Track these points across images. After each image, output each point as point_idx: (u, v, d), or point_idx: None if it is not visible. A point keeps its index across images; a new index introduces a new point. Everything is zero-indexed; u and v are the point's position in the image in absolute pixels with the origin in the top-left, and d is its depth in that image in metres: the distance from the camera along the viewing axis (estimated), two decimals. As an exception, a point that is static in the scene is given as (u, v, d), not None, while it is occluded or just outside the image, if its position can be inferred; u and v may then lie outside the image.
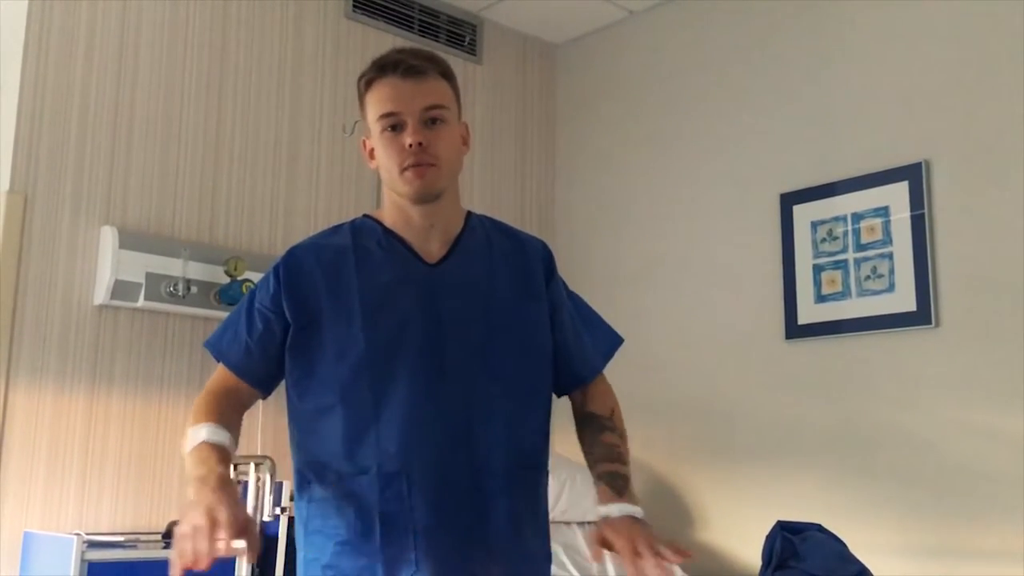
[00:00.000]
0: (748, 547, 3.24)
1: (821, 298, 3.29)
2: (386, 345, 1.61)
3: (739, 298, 3.54)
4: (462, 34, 4.07)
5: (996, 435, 2.86)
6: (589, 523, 3.40)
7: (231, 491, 1.42)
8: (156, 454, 3.07)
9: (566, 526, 3.32)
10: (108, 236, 3.02)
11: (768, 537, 2.53)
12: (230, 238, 3.33)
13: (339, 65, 3.70)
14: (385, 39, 3.78)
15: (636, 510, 1.57)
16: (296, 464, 1.68)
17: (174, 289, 3.06)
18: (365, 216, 1.75)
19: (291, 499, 2.87)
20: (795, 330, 3.35)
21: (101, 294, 3.00)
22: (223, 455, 1.52)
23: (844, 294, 3.23)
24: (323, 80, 3.65)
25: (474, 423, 1.62)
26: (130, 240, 3.03)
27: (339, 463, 1.60)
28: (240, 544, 1.36)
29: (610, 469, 1.66)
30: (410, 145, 1.60)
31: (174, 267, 3.08)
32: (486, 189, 4.04)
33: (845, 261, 3.25)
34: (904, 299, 3.08)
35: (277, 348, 1.66)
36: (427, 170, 1.61)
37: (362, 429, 1.59)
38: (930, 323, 3.01)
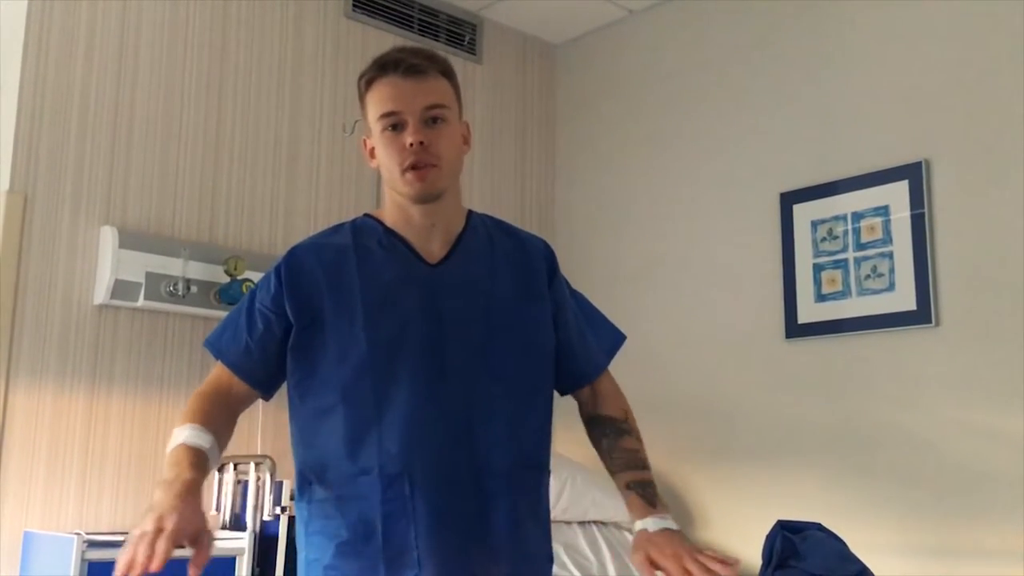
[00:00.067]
0: (748, 546, 3.24)
1: (821, 297, 3.29)
2: (387, 345, 1.61)
3: (739, 297, 3.54)
4: (462, 34, 4.07)
5: (996, 434, 2.86)
6: (589, 522, 3.41)
7: (191, 498, 1.41)
8: (156, 453, 3.07)
9: (566, 525, 3.32)
10: (108, 236, 3.02)
11: (768, 536, 2.53)
12: (230, 238, 3.33)
13: (339, 65, 3.70)
14: (385, 39, 3.77)
15: (672, 522, 1.59)
16: (297, 465, 1.67)
17: (174, 289, 3.06)
18: (366, 215, 1.75)
19: (291, 499, 2.87)
20: (795, 329, 3.35)
21: (101, 294, 2.99)
22: (198, 459, 1.50)
23: (844, 293, 3.23)
24: (323, 80, 3.65)
25: (475, 423, 1.62)
26: (130, 240, 3.03)
27: (341, 464, 1.60)
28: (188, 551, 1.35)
29: (637, 478, 1.67)
30: (411, 144, 1.59)
31: (174, 267, 3.08)
32: (486, 189, 4.04)
33: (845, 260, 3.25)
34: (904, 298, 3.08)
35: (277, 348, 1.65)
36: (428, 172, 1.61)
37: (364, 430, 1.59)
38: (930, 322, 3.01)
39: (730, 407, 3.50)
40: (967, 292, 2.97)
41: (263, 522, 2.87)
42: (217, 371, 1.68)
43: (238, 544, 2.80)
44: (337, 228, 1.73)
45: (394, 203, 1.69)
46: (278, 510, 2.85)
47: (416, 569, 1.55)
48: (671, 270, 3.77)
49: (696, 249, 3.71)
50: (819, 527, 2.56)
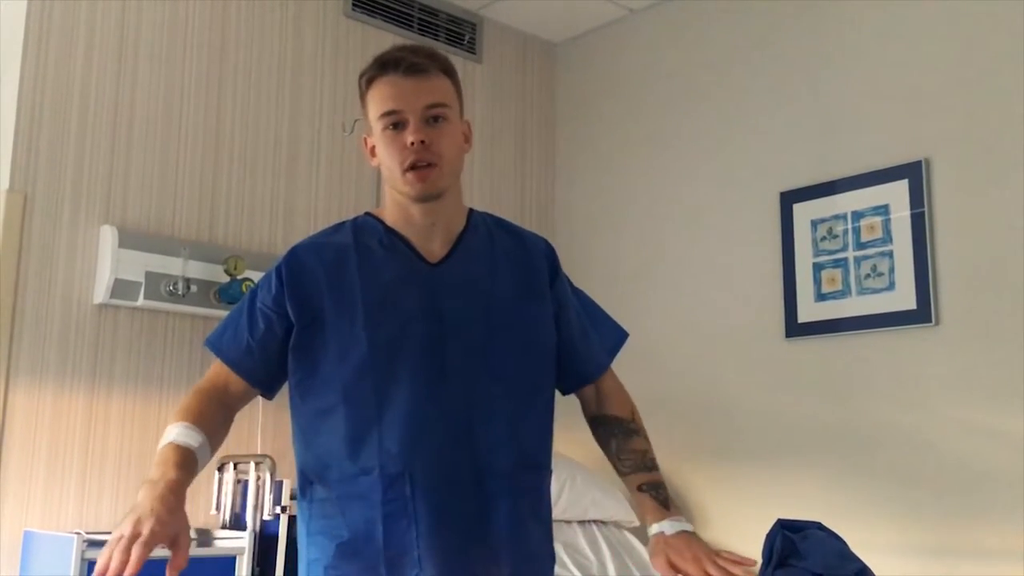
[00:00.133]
0: (748, 545, 3.23)
1: (821, 296, 3.29)
2: (388, 345, 1.61)
3: (739, 297, 3.54)
4: (461, 33, 4.07)
5: (996, 433, 2.86)
6: (589, 522, 3.40)
7: (171, 500, 1.41)
8: (155, 453, 3.06)
9: (567, 525, 3.32)
10: (108, 235, 3.01)
11: (768, 535, 2.52)
12: (230, 237, 3.32)
13: (339, 64, 3.70)
14: (385, 38, 3.77)
15: (687, 524, 1.62)
16: (299, 464, 1.67)
17: (174, 288, 3.06)
18: (367, 214, 1.75)
19: (291, 498, 2.87)
20: (795, 328, 3.35)
21: (101, 293, 2.99)
22: (184, 458, 1.50)
23: (844, 292, 3.23)
24: (323, 79, 3.65)
25: (476, 423, 1.62)
26: (130, 239, 3.03)
27: (341, 464, 1.60)
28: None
29: (649, 480, 1.68)
30: (412, 143, 1.59)
31: (174, 266, 3.07)
32: (486, 188, 4.04)
33: (845, 259, 3.24)
34: (904, 297, 3.08)
35: (279, 348, 1.65)
36: (429, 172, 1.61)
37: (364, 430, 1.59)
38: (930, 321, 3.01)
39: (730, 406, 3.50)
40: (967, 291, 2.97)
41: (263, 521, 2.87)
42: (216, 368, 1.67)
43: (238, 544, 2.80)
44: (338, 227, 1.73)
45: (395, 202, 1.69)
46: (278, 509, 2.85)
47: (417, 569, 1.55)
48: (671, 269, 3.77)
49: (696, 248, 3.71)
50: (819, 526, 2.56)
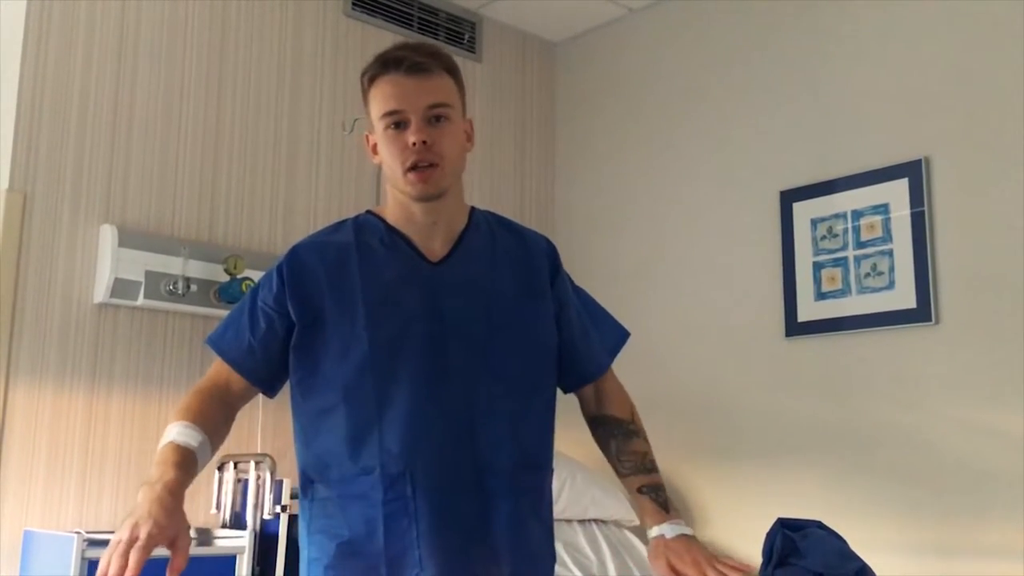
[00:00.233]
0: (749, 544, 3.24)
1: (821, 295, 3.29)
2: (388, 344, 1.61)
3: (739, 296, 3.54)
4: (461, 32, 4.07)
5: (996, 432, 2.86)
6: (589, 521, 3.40)
7: (169, 501, 1.40)
8: (155, 452, 3.06)
9: (567, 524, 3.32)
10: (108, 234, 3.01)
11: (768, 534, 2.52)
12: (230, 236, 3.32)
13: (338, 63, 3.70)
14: (384, 37, 3.77)
15: (687, 527, 1.63)
16: (300, 464, 1.67)
17: (174, 287, 3.06)
18: (368, 212, 1.74)
19: (292, 497, 2.87)
20: (795, 327, 3.35)
21: (101, 292, 2.99)
22: (184, 457, 1.50)
23: (844, 291, 3.23)
24: (322, 78, 3.65)
25: (477, 423, 1.61)
26: (130, 238, 3.03)
27: (342, 463, 1.60)
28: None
29: (649, 482, 1.69)
30: (413, 144, 1.59)
31: (174, 265, 3.07)
32: (485, 187, 4.03)
33: (845, 258, 3.25)
34: (904, 296, 3.08)
35: (280, 347, 1.65)
36: (431, 172, 1.60)
37: (365, 429, 1.59)
38: (930, 320, 3.02)
39: (730, 405, 3.50)
40: (967, 290, 2.97)
41: (263, 521, 2.87)
42: (217, 367, 1.67)
43: (238, 543, 2.80)
44: (339, 226, 1.73)
45: (396, 200, 1.68)
46: (278, 509, 2.85)
47: (418, 569, 1.55)
48: (671, 269, 3.77)
49: (696, 247, 3.71)
50: (819, 525, 2.56)
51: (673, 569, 1.56)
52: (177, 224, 3.21)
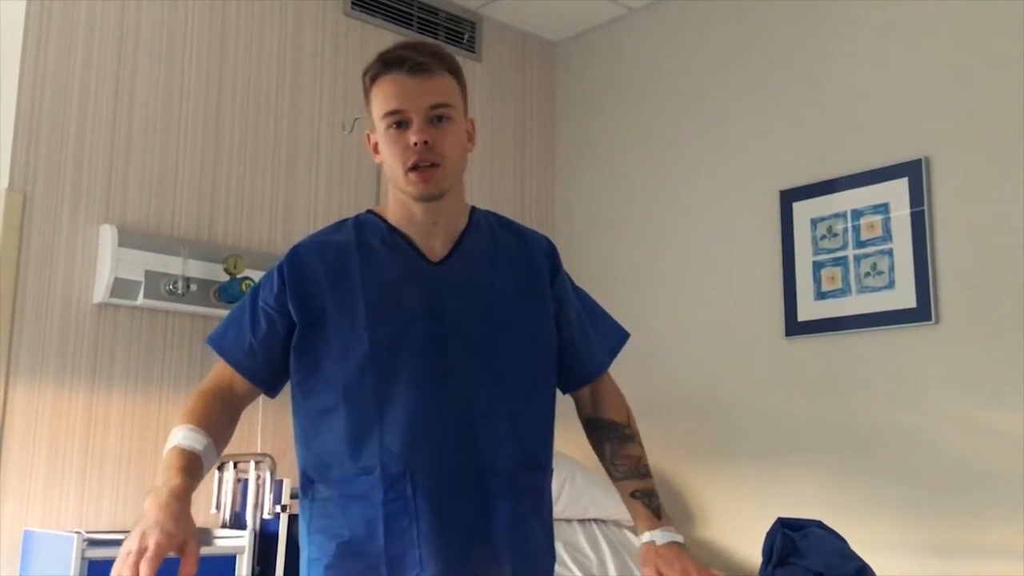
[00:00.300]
0: (749, 544, 3.24)
1: (821, 295, 3.29)
2: (389, 344, 1.60)
3: (739, 295, 3.54)
4: (461, 31, 4.07)
5: (996, 432, 2.86)
6: (589, 520, 3.41)
7: (176, 507, 1.40)
8: (156, 451, 3.06)
9: (567, 523, 3.32)
10: (107, 234, 3.01)
11: (768, 534, 2.52)
12: (229, 236, 3.32)
13: (338, 63, 3.70)
14: (384, 37, 3.77)
15: (678, 535, 1.63)
16: (300, 464, 1.67)
17: (173, 287, 3.06)
18: (369, 212, 1.74)
19: (292, 497, 2.87)
20: (795, 327, 3.35)
21: (100, 292, 2.99)
22: (189, 462, 1.50)
23: (844, 291, 3.23)
24: (322, 78, 3.65)
25: (477, 423, 1.61)
26: (129, 238, 3.03)
27: (343, 463, 1.60)
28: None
29: (642, 487, 1.69)
30: (415, 144, 1.59)
31: (173, 265, 3.07)
32: (485, 187, 4.03)
33: (845, 258, 3.25)
34: (904, 296, 3.08)
35: (281, 347, 1.65)
36: (432, 172, 1.60)
37: (365, 429, 1.59)
38: (930, 320, 3.02)
39: (730, 405, 3.50)
40: (967, 289, 2.97)
41: (263, 520, 2.87)
42: (219, 368, 1.67)
43: (238, 543, 2.80)
44: (339, 225, 1.73)
45: (397, 200, 1.68)
46: (278, 508, 2.85)
47: (418, 569, 1.55)
48: (671, 268, 3.78)
49: (696, 247, 3.71)
50: (819, 524, 2.56)
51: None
52: (177, 224, 3.21)
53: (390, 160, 1.62)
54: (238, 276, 3.13)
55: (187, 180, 3.26)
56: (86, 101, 3.08)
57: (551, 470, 1.74)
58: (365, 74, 1.65)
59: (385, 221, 1.70)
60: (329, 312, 1.63)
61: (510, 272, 1.71)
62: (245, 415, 1.70)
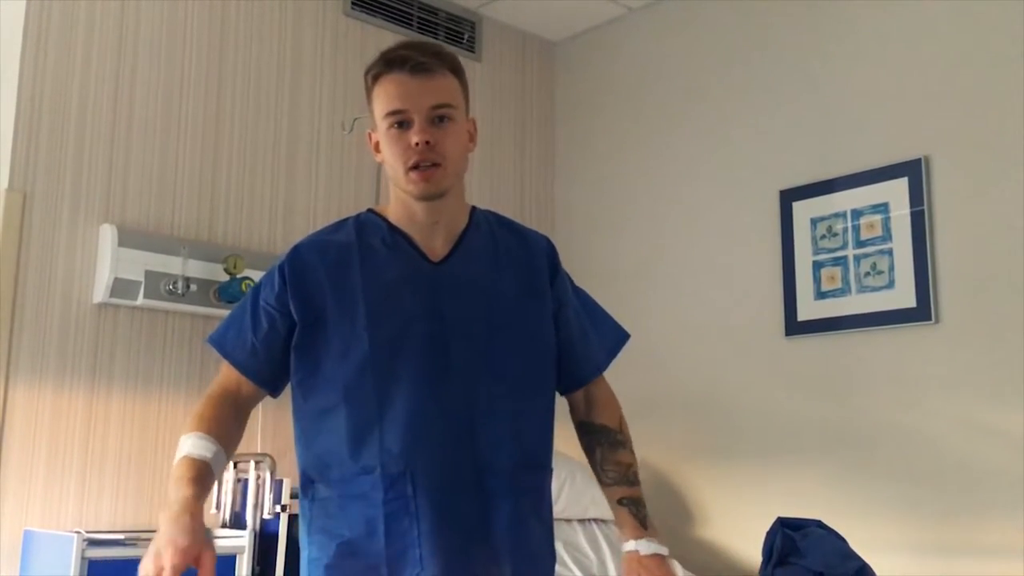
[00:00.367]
0: (749, 543, 3.24)
1: (821, 295, 3.29)
2: (389, 344, 1.60)
3: (739, 295, 3.54)
4: (461, 31, 4.07)
5: (996, 431, 2.86)
6: (589, 520, 3.41)
7: (187, 521, 1.41)
8: (156, 451, 3.07)
9: (566, 523, 3.32)
10: (107, 234, 3.01)
11: (769, 533, 2.53)
12: (229, 236, 3.32)
13: (338, 63, 3.70)
14: (384, 37, 3.77)
15: (663, 548, 1.64)
16: (300, 463, 1.67)
17: (173, 287, 3.06)
18: (369, 211, 1.74)
19: (292, 496, 2.87)
20: (795, 327, 3.35)
21: (100, 292, 2.99)
22: (199, 471, 1.51)
23: (844, 291, 3.23)
24: (322, 78, 3.65)
25: (477, 422, 1.61)
26: (129, 238, 3.03)
27: (343, 463, 1.60)
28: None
29: (631, 494, 1.69)
30: (416, 144, 1.59)
31: (173, 265, 3.07)
32: (485, 187, 4.04)
33: (845, 257, 3.25)
34: (904, 295, 3.08)
35: (282, 347, 1.65)
36: (433, 172, 1.60)
37: (365, 429, 1.59)
38: (930, 319, 3.02)
39: (730, 404, 3.50)
40: (967, 289, 2.97)
41: (263, 520, 2.87)
42: (226, 371, 1.68)
43: (238, 543, 2.80)
44: (340, 225, 1.73)
45: (398, 199, 1.68)
46: (278, 508, 2.85)
47: (418, 568, 1.55)
48: (670, 268, 3.78)
49: (695, 247, 3.71)
50: (819, 524, 2.57)
51: None
52: (177, 224, 3.21)
53: (391, 159, 1.62)
54: (238, 276, 3.13)
55: (187, 180, 3.26)
56: (86, 101, 3.08)
57: (551, 470, 1.73)
58: (367, 73, 1.65)
59: (386, 220, 1.70)
60: (329, 312, 1.63)
61: (510, 272, 1.71)
62: (244, 415, 1.70)
